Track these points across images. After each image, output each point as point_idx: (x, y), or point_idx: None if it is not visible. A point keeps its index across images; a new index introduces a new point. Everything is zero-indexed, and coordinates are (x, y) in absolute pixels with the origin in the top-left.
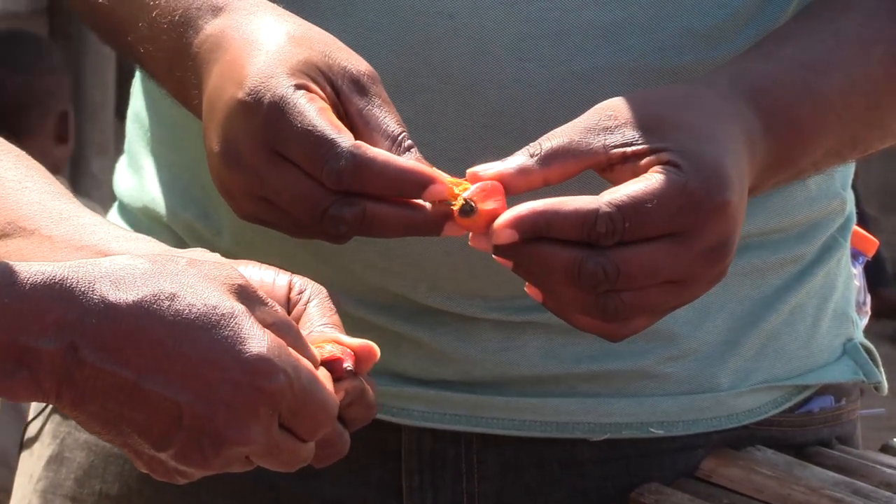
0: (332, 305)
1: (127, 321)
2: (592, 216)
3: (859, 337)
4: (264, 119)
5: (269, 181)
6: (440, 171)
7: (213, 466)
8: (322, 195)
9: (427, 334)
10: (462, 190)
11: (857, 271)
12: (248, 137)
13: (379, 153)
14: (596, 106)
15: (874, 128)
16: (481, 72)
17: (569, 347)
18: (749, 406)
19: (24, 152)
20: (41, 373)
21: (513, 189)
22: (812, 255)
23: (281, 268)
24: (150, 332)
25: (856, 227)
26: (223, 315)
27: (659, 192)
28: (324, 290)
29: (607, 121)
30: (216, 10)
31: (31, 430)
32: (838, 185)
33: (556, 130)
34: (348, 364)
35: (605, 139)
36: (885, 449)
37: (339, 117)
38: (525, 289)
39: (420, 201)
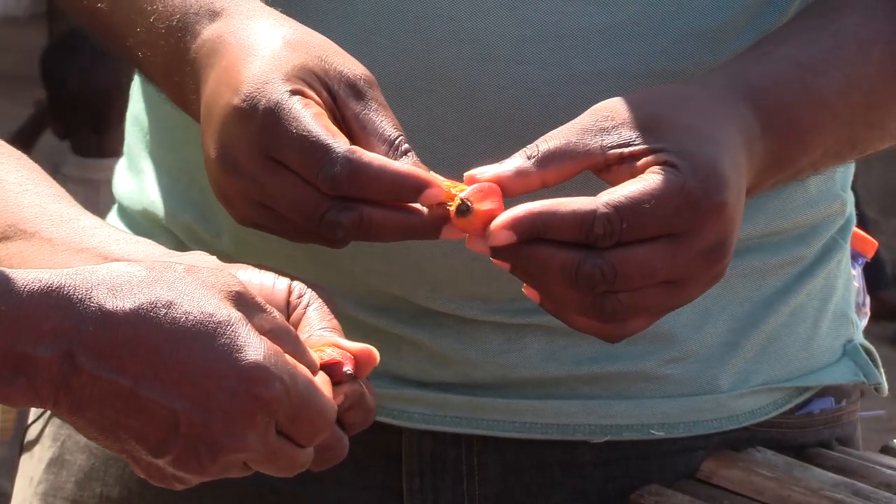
0: (332, 309)
1: (124, 329)
2: (590, 217)
3: (859, 338)
4: (260, 125)
5: (266, 187)
6: (436, 175)
7: (210, 473)
8: (319, 200)
9: (427, 336)
10: (458, 192)
11: (857, 272)
12: (244, 143)
13: (374, 158)
14: (593, 107)
15: (873, 128)
16: (482, 75)
17: (569, 349)
18: (749, 407)
19: (24, 155)
20: (38, 380)
21: (510, 191)
22: (812, 256)
23: (281, 270)
24: (146, 339)
25: (855, 229)
26: (220, 323)
27: (656, 192)
28: (324, 293)
29: (604, 121)
30: (213, 15)
31: (32, 433)
32: (838, 186)
33: (553, 132)
34: (348, 368)
35: (603, 140)
36: (885, 450)
37: (336, 122)
38: (523, 290)
39: (417, 205)
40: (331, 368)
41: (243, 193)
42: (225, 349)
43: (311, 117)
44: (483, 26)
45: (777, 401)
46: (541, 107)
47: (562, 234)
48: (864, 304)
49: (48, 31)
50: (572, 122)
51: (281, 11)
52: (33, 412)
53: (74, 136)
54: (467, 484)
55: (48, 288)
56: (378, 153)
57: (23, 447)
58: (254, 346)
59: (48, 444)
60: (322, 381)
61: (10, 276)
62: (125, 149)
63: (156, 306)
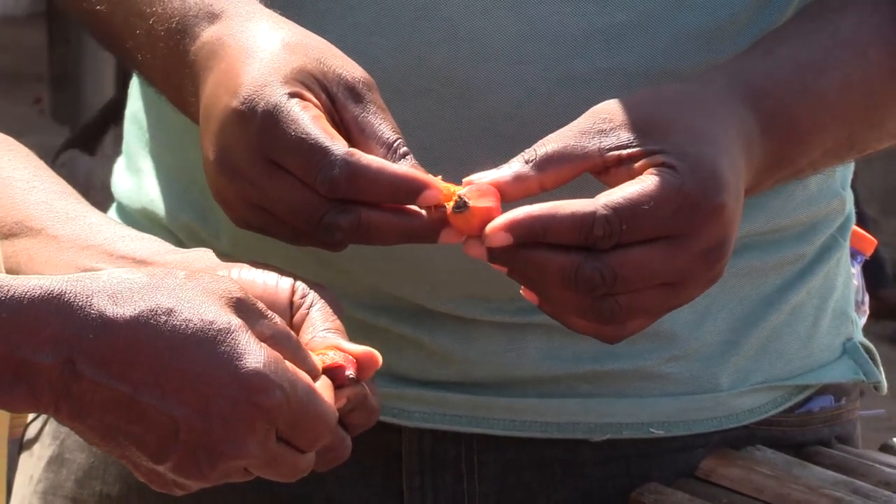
0: (335, 310)
1: (124, 336)
2: (590, 219)
3: (859, 336)
4: (258, 128)
5: (265, 190)
6: (435, 178)
7: (210, 479)
8: (317, 203)
9: (427, 336)
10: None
11: (856, 271)
12: (243, 146)
13: (373, 160)
14: (590, 109)
15: (872, 127)
16: (481, 74)
17: (569, 348)
18: (749, 406)
19: (32, 153)
20: (39, 386)
21: (510, 196)
22: (812, 254)
23: (283, 269)
24: (147, 346)
25: (854, 227)
26: (220, 330)
27: (655, 193)
28: (327, 294)
29: (602, 124)
30: (212, 17)
31: (31, 432)
32: (838, 184)
33: (550, 136)
34: (350, 372)
35: (601, 142)
36: (885, 448)
37: (335, 125)
38: (521, 292)
39: (416, 208)
40: (333, 372)
41: (241, 196)
42: (225, 356)
43: (309, 120)
44: (482, 26)
45: (777, 399)
46: (540, 106)
47: (561, 236)
48: (863, 303)
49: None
50: (570, 125)
51: (279, 12)
52: None
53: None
54: (467, 482)
55: (49, 294)
56: (377, 156)
57: (22, 445)
58: (254, 354)
59: (48, 442)
60: (324, 385)
61: (10, 282)
62: (124, 147)
63: (156, 313)
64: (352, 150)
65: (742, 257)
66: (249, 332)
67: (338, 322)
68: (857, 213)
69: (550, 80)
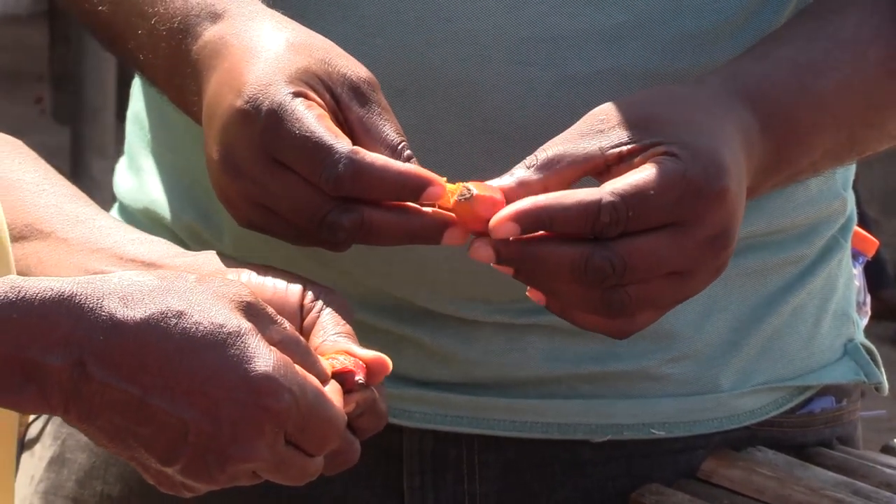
0: (345, 314)
1: (134, 338)
2: (596, 206)
3: (860, 337)
4: (262, 127)
5: (268, 189)
6: (439, 177)
7: (218, 482)
8: (321, 202)
9: (429, 336)
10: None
11: (858, 271)
12: (247, 145)
13: (377, 158)
14: (588, 113)
15: (872, 128)
16: (481, 76)
17: (571, 349)
18: (750, 407)
19: (39, 157)
20: (49, 388)
21: (514, 202)
22: (813, 255)
23: (293, 273)
24: (157, 349)
25: (856, 228)
26: (230, 333)
27: (659, 179)
28: (337, 298)
29: (600, 124)
30: (215, 17)
31: (32, 432)
32: (839, 185)
33: (550, 141)
34: (360, 377)
35: (600, 142)
36: (886, 449)
37: (339, 125)
38: (527, 293)
39: (419, 207)
40: (342, 377)
41: (245, 195)
42: (235, 360)
43: (313, 119)
44: (482, 27)
45: (778, 400)
46: (539, 107)
47: (567, 225)
48: (864, 304)
49: (49, 29)
50: (569, 129)
51: (280, 12)
52: None
53: None
54: (468, 483)
55: (59, 296)
56: None
57: (23, 445)
58: (263, 357)
59: (49, 442)
60: (333, 389)
61: (21, 283)
62: (125, 147)
63: (166, 316)
64: (356, 147)
65: (744, 258)
66: (259, 335)
67: (348, 326)
68: (858, 213)
69: (550, 80)
